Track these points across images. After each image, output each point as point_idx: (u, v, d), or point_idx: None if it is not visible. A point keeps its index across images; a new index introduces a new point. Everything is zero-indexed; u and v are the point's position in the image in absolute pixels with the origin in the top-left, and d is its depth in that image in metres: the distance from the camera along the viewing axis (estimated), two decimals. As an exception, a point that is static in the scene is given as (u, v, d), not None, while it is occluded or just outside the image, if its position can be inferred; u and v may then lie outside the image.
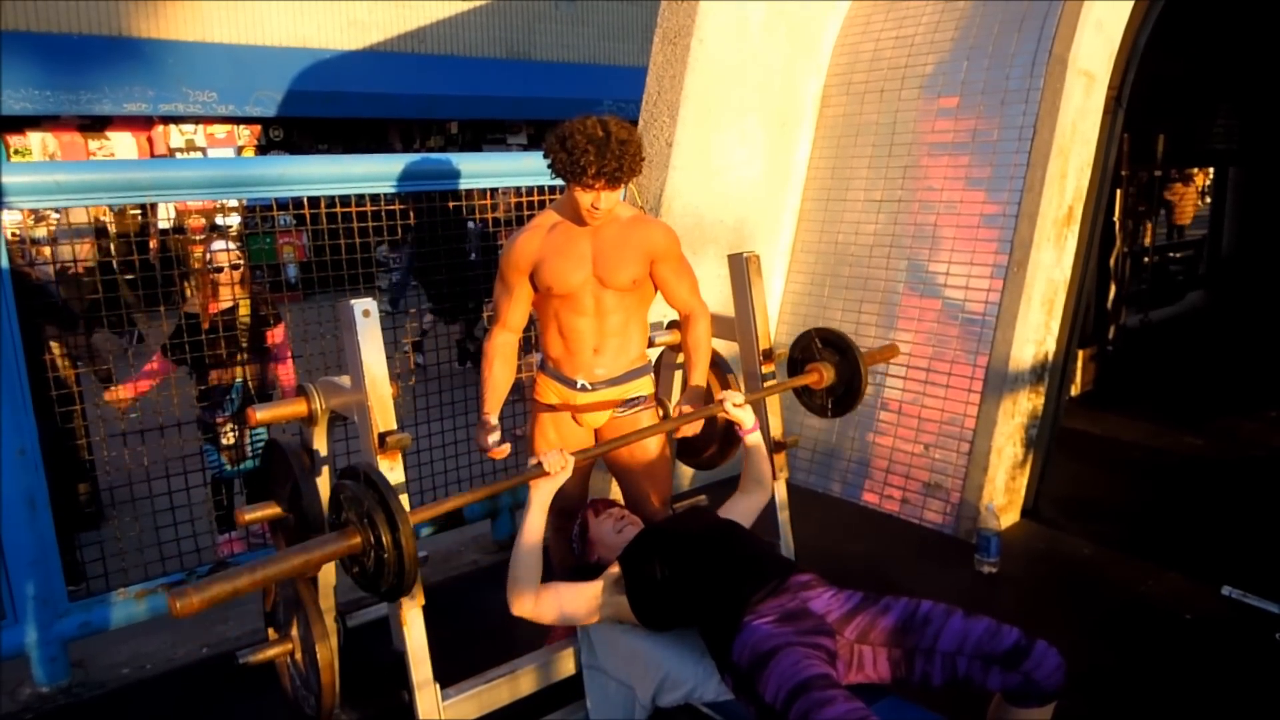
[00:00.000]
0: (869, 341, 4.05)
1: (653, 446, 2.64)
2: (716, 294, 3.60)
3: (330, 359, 3.02)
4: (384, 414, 2.02)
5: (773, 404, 2.84)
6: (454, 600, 3.35)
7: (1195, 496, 4.25)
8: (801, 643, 1.90)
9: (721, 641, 2.00)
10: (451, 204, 3.60)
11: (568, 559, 2.71)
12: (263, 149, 12.77)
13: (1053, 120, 3.65)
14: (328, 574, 2.35)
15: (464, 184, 3.48)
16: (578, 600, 2.17)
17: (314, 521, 2.15)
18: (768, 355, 2.81)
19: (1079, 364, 5.67)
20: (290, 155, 11.60)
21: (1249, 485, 4.34)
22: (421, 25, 13.83)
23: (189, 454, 3.31)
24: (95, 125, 11.46)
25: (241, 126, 12.50)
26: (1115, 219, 6.31)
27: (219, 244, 3.73)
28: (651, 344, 2.78)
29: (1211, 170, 10.24)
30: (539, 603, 2.12)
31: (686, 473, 4.18)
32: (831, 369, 2.71)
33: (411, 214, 3.60)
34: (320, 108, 12.40)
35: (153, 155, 11.76)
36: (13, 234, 2.87)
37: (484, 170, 3.56)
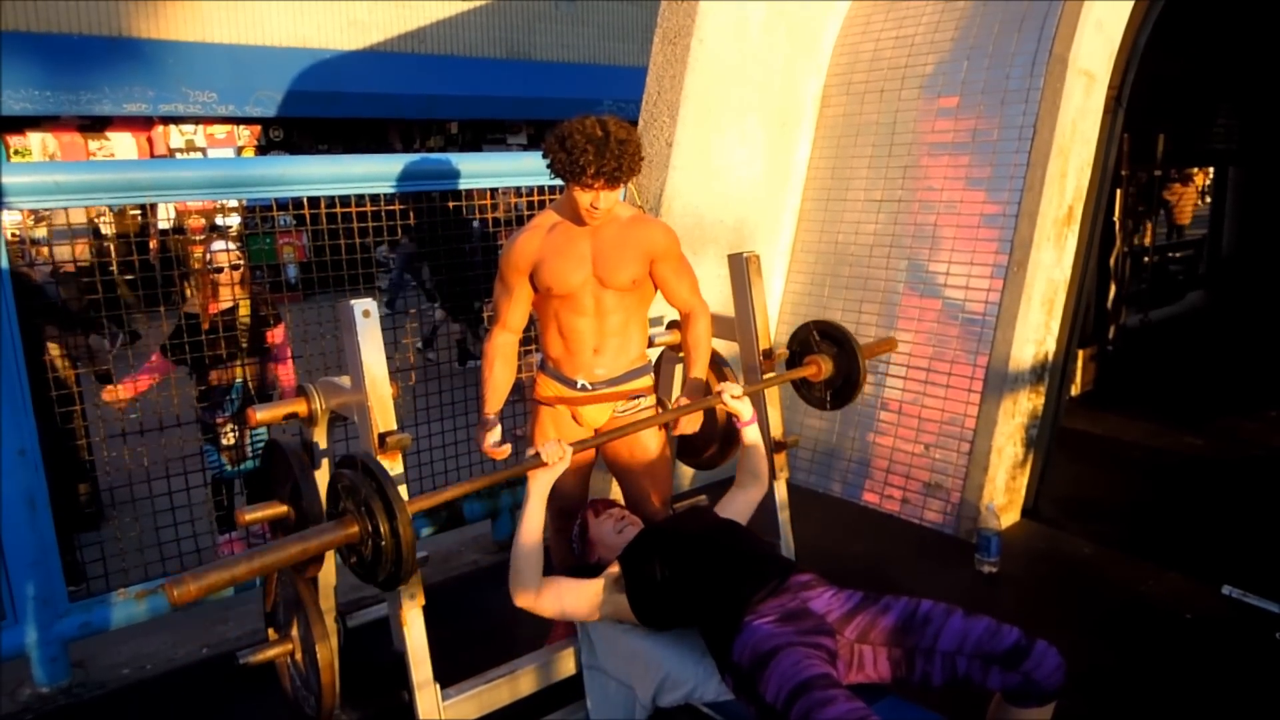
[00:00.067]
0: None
1: (653, 446, 2.64)
2: (716, 294, 3.60)
3: (330, 359, 3.02)
4: (384, 414, 2.02)
5: (773, 403, 2.84)
6: (454, 600, 3.35)
7: (1195, 496, 4.25)
8: (802, 643, 1.90)
9: (722, 641, 2.00)
10: (452, 204, 3.60)
11: (568, 559, 2.71)
12: (263, 149, 12.77)
13: (1053, 120, 3.65)
14: (328, 574, 2.35)
15: (464, 184, 3.48)
16: (578, 596, 2.18)
17: (314, 521, 2.15)
18: (768, 355, 2.81)
19: (1079, 364, 5.67)
20: (290, 155, 11.60)
21: (1249, 485, 4.34)
22: (421, 25, 13.83)
23: (189, 454, 3.31)
24: (95, 125, 11.46)
25: (241, 127, 12.50)
26: (1115, 219, 6.31)
27: (219, 244, 3.72)
28: (651, 344, 2.78)
29: (1211, 170, 10.24)
30: (540, 595, 2.13)
31: (687, 473, 4.18)
32: (830, 361, 2.71)
33: (411, 214, 3.60)
34: (320, 108, 12.40)
35: (153, 155, 11.76)
36: (12, 235, 2.87)
37: (484, 170, 3.57)
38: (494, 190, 3.74)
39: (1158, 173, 7.16)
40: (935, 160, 4.08)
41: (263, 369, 3.80)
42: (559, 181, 2.36)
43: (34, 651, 2.79)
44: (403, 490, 1.97)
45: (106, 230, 6.43)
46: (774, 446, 2.82)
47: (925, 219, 4.07)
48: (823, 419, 4.35)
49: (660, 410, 2.65)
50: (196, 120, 11.95)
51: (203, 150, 12.25)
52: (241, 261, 3.72)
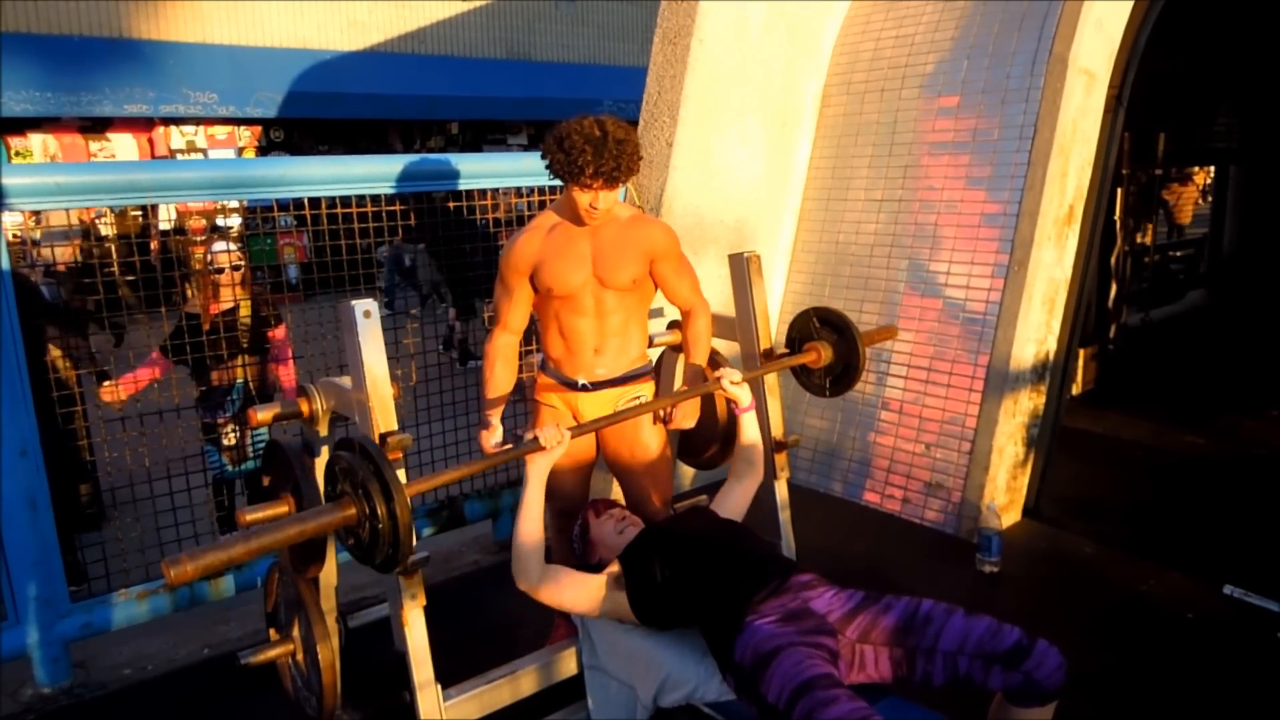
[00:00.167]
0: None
1: (654, 446, 2.64)
2: (717, 294, 3.60)
3: (331, 360, 3.02)
4: (385, 414, 2.02)
5: (774, 402, 2.84)
6: (455, 601, 3.35)
7: (1197, 495, 4.25)
8: (804, 643, 1.90)
9: (723, 641, 2.00)
10: (452, 204, 3.60)
11: (569, 560, 2.70)
12: (263, 150, 12.77)
13: (1053, 119, 3.65)
14: (329, 574, 2.35)
15: (464, 184, 3.48)
16: (579, 589, 2.18)
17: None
18: (768, 355, 2.81)
19: (1080, 363, 5.67)
20: (291, 156, 11.61)
21: (1251, 484, 4.34)
22: (421, 26, 13.83)
23: (190, 454, 3.31)
24: (96, 127, 11.46)
25: (242, 127, 12.50)
26: (1116, 218, 6.31)
27: (220, 245, 3.73)
28: (652, 344, 2.78)
29: (1212, 169, 10.24)
30: (542, 582, 2.13)
31: (687, 473, 4.18)
32: (830, 348, 2.70)
33: (412, 215, 3.60)
34: (321, 109, 12.40)
35: (153, 156, 11.76)
36: (13, 235, 2.88)
37: (484, 171, 3.57)
38: (494, 191, 3.74)
39: (1158, 172, 7.16)
40: (936, 160, 4.07)
41: (263, 369, 3.80)
42: (559, 182, 2.36)
43: (35, 652, 2.79)
44: (401, 475, 1.97)
45: (107, 231, 6.43)
46: (775, 446, 2.82)
47: (926, 218, 4.07)
48: (823, 419, 4.35)
49: (662, 411, 2.65)
50: (197, 121, 11.95)
51: (203, 151, 12.26)
52: (242, 262, 3.72)
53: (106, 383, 3.35)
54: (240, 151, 12.57)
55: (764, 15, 4.19)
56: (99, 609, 2.87)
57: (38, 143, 11.23)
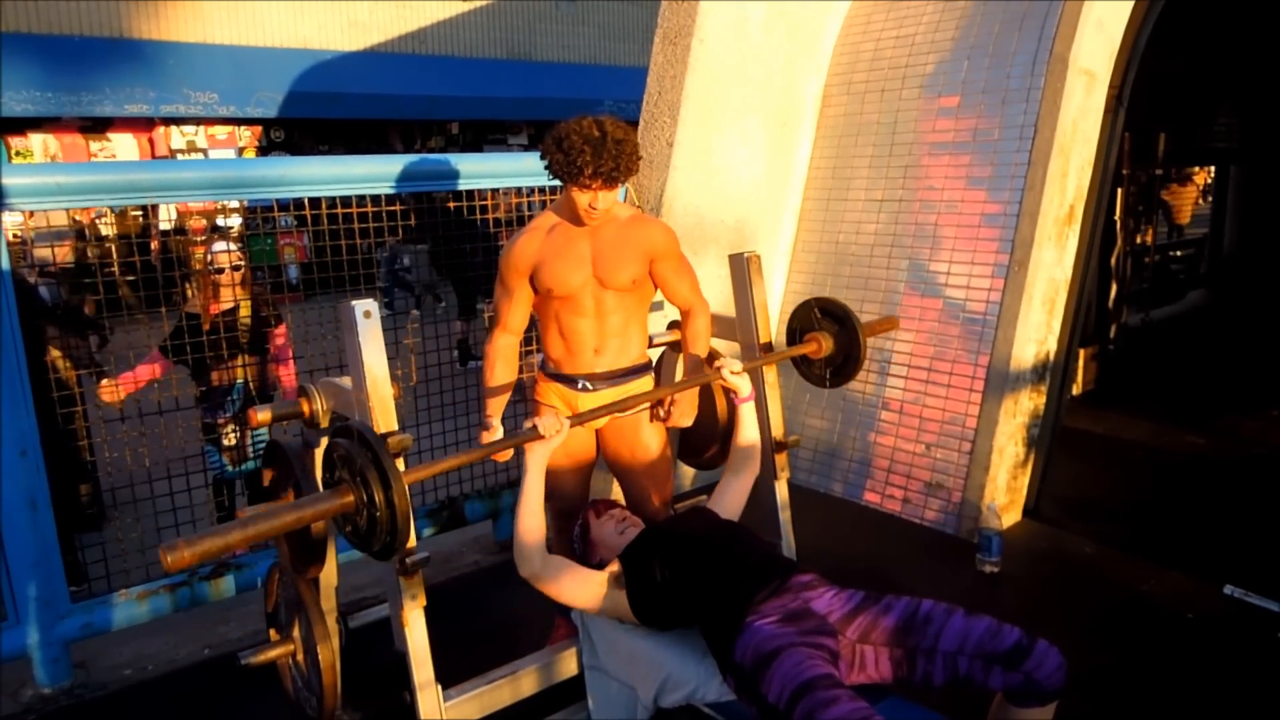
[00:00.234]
0: (870, 341, 4.05)
1: (654, 446, 2.64)
2: (717, 294, 3.60)
3: (332, 360, 3.02)
4: (385, 415, 2.02)
5: (774, 402, 2.84)
6: (456, 601, 3.35)
7: (1197, 495, 4.25)
8: (804, 643, 1.90)
9: (724, 642, 2.00)
10: (452, 204, 3.60)
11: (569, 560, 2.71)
12: (264, 150, 12.77)
13: (1054, 119, 3.65)
14: (329, 574, 2.35)
15: (465, 185, 3.48)
16: (579, 583, 2.18)
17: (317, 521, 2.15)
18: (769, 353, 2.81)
19: (1080, 363, 5.67)
20: (291, 156, 11.61)
21: (1251, 484, 4.34)
22: (422, 26, 13.83)
23: (190, 454, 3.31)
24: (96, 127, 11.46)
25: (242, 128, 12.50)
26: (1116, 218, 6.31)
27: (220, 245, 3.73)
28: (652, 344, 2.78)
29: (1212, 169, 10.24)
30: (544, 569, 2.15)
31: (687, 473, 4.18)
32: (830, 339, 2.70)
33: (412, 215, 3.60)
34: (321, 109, 12.40)
35: (154, 156, 11.76)
36: (14, 236, 2.88)
37: (485, 171, 3.57)
38: (495, 191, 3.74)
39: (1159, 172, 7.16)
40: (936, 160, 4.07)
41: (263, 369, 3.80)
42: (559, 182, 2.36)
43: (36, 652, 2.79)
44: (399, 464, 1.97)
45: (107, 231, 6.43)
46: (775, 446, 2.82)
47: (926, 218, 4.07)
48: (824, 419, 4.35)
49: (661, 409, 2.65)
50: (197, 121, 11.95)
51: (204, 151, 12.26)
52: (242, 262, 3.72)
53: (105, 381, 3.35)
54: (241, 151, 12.57)
55: (764, 15, 4.19)
56: (99, 609, 2.88)
57: (38, 143, 11.24)
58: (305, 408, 2.22)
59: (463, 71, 13.96)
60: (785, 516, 2.87)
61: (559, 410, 2.58)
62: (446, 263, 6.66)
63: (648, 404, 2.64)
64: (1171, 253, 9.07)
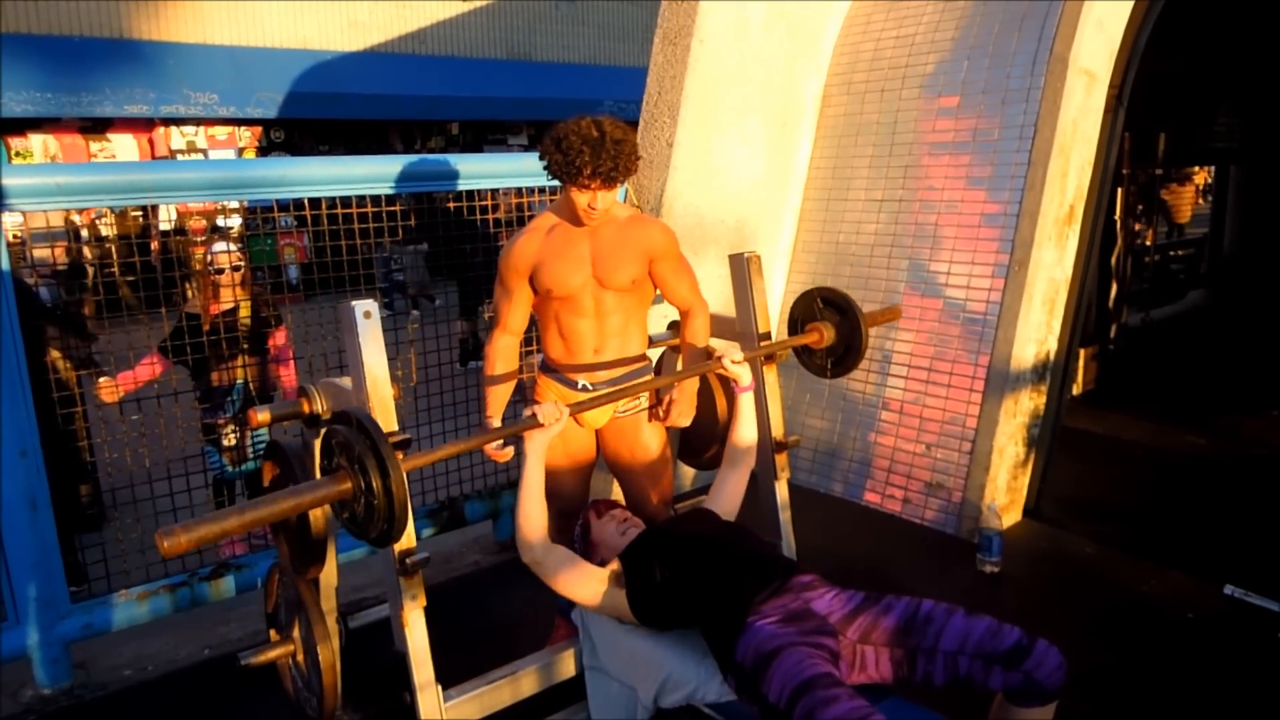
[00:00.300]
0: (871, 341, 4.05)
1: (654, 446, 2.64)
2: (717, 294, 3.60)
3: (332, 360, 3.02)
4: (385, 415, 2.02)
5: (774, 403, 2.84)
6: (456, 601, 3.35)
7: (1197, 495, 4.25)
8: (805, 643, 1.90)
9: (724, 642, 2.00)
10: (452, 205, 3.60)
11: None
12: (264, 150, 12.77)
13: (1054, 119, 3.65)
14: (329, 575, 2.35)
15: (465, 185, 3.48)
16: (580, 577, 2.19)
17: (317, 521, 2.14)
18: (769, 355, 2.81)
19: (1080, 363, 5.67)
20: (291, 156, 11.61)
21: (1251, 484, 4.33)
22: (422, 26, 13.83)
23: (190, 455, 3.31)
24: (96, 127, 11.46)
25: (242, 128, 12.50)
26: (1116, 218, 6.31)
27: (220, 245, 3.73)
28: (652, 344, 2.78)
29: (1211, 169, 10.24)
30: (546, 556, 2.17)
31: (687, 473, 4.18)
32: (832, 329, 2.69)
33: (412, 215, 3.60)
34: (321, 109, 12.40)
35: (154, 157, 11.76)
36: (14, 236, 2.87)
37: (485, 171, 3.57)
38: (495, 191, 3.74)
39: (1159, 172, 7.16)
40: (936, 160, 4.07)
41: (264, 370, 3.80)
42: (559, 183, 2.36)
43: (36, 653, 2.79)
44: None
45: (107, 231, 6.44)
46: (775, 446, 2.82)
47: (926, 219, 4.07)
48: (824, 419, 4.35)
49: (662, 409, 2.65)
50: (197, 122, 11.95)
51: (204, 152, 12.26)
52: (242, 263, 3.72)
53: (104, 380, 3.35)
54: (240, 152, 12.57)
55: (764, 15, 4.19)
56: (99, 610, 2.87)
57: (38, 143, 11.23)
58: (305, 408, 2.22)
59: (463, 72, 13.96)
60: (785, 517, 2.87)
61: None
62: (447, 263, 6.67)
63: (647, 405, 2.64)
64: (1172, 253, 9.07)
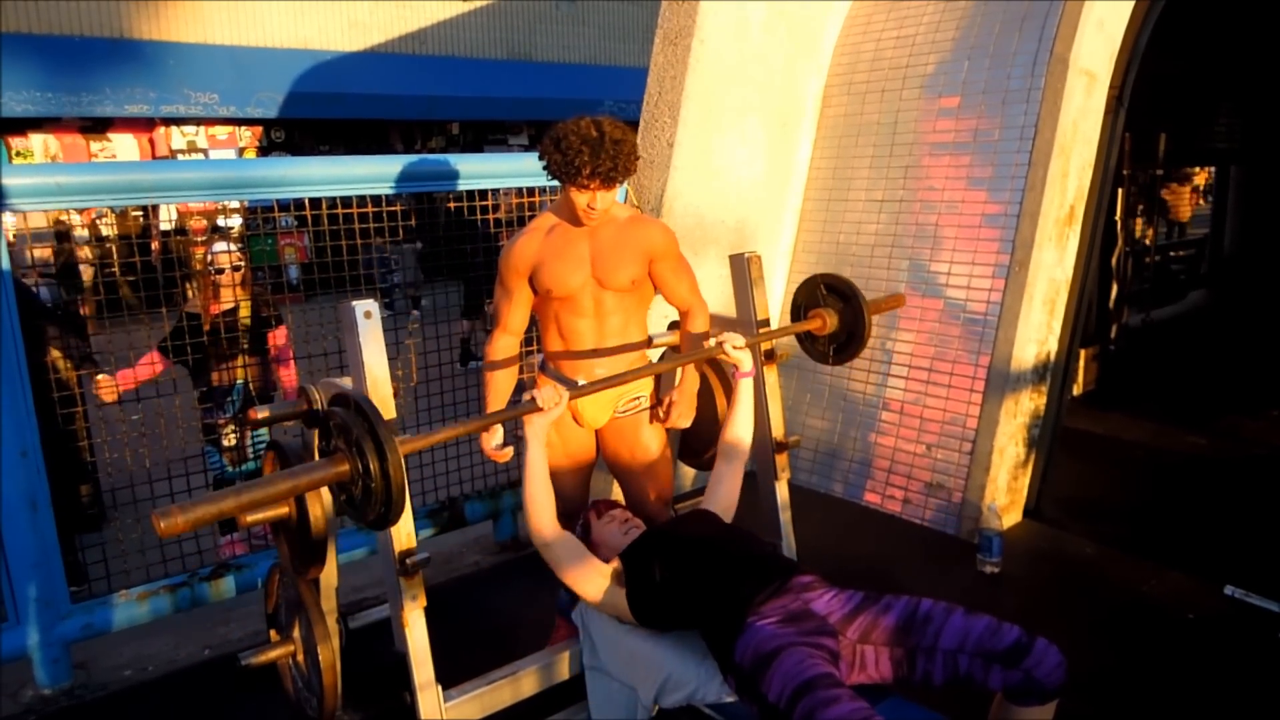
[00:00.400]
0: (870, 341, 4.05)
1: (654, 447, 2.64)
2: (718, 294, 3.60)
3: (332, 360, 3.02)
4: (386, 413, 2.02)
5: (774, 403, 2.84)
6: (456, 601, 3.35)
7: (1198, 496, 4.25)
8: (804, 643, 1.90)
9: (724, 643, 2.00)
10: (453, 205, 3.60)
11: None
12: (264, 150, 12.77)
13: (1054, 120, 3.65)
14: (329, 575, 2.35)
15: (465, 185, 3.48)
16: (587, 570, 2.19)
17: (317, 522, 2.14)
18: (770, 355, 2.81)
19: (1081, 363, 5.67)
20: (291, 156, 11.61)
21: (1252, 484, 4.33)
22: (422, 26, 13.83)
23: (190, 455, 3.31)
24: (97, 127, 11.46)
25: (243, 128, 12.50)
26: (1117, 218, 6.31)
27: (220, 245, 3.73)
28: (652, 344, 2.78)
29: (1211, 169, 10.24)
30: (555, 539, 2.19)
31: (687, 473, 4.18)
32: (835, 316, 2.69)
33: (413, 215, 3.60)
34: (321, 109, 12.40)
35: (154, 157, 11.76)
36: (14, 236, 2.86)
37: (485, 171, 3.57)
38: (495, 191, 3.74)
39: (1159, 172, 7.16)
40: (936, 160, 4.07)
41: (264, 370, 3.80)
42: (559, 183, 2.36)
43: (36, 653, 2.79)
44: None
45: (107, 231, 6.44)
46: (776, 447, 2.82)
47: (927, 219, 4.07)
48: (824, 419, 4.35)
49: (662, 410, 2.65)
50: (198, 121, 11.96)
51: (204, 152, 12.26)
52: (242, 262, 3.72)
53: (102, 377, 3.34)
54: (241, 152, 12.57)
55: (765, 15, 4.18)
56: (99, 610, 2.87)
57: (39, 143, 11.24)
58: (305, 408, 2.21)
59: (463, 72, 13.96)
60: (785, 517, 2.87)
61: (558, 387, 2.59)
62: (448, 263, 6.67)
63: (647, 406, 2.64)
64: (1172, 253, 9.07)
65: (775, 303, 4.60)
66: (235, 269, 3.66)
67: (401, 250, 8.49)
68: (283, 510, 2.20)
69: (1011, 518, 3.86)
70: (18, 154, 11.03)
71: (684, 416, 2.62)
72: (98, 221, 5.97)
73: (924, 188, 4.10)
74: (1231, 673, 2.81)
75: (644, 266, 2.47)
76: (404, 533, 2.06)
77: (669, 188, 3.94)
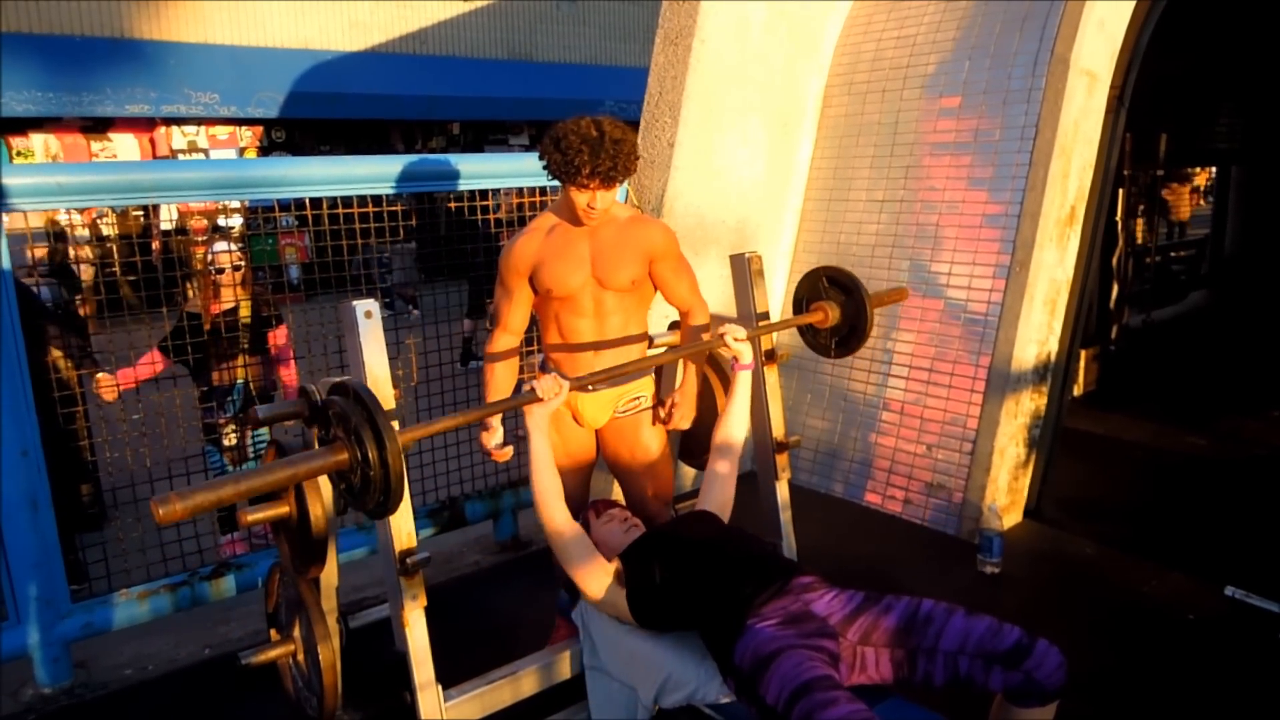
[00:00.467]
0: (871, 341, 4.05)
1: (654, 447, 2.64)
2: (718, 294, 3.60)
3: (333, 360, 3.02)
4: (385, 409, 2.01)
5: (774, 404, 2.84)
6: (456, 601, 3.36)
7: (1198, 496, 4.25)
8: (804, 645, 1.90)
9: (724, 644, 2.00)
10: (453, 204, 3.60)
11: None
12: (265, 150, 12.77)
13: (1055, 120, 3.65)
14: (330, 575, 2.35)
15: (465, 185, 3.48)
16: (592, 567, 2.19)
17: (317, 522, 2.14)
18: (770, 355, 2.81)
19: (1081, 364, 5.67)
20: (292, 156, 11.61)
21: (1252, 485, 4.33)
22: (423, 26, 13.83)
23: (191, 454, 3.31)
24: (97, 127, 11.47)
25: (243, 128, 12.50)
26: (1117, 218, 6.31)
27: (221, 245, 3.73)
28: (652, 344, 2.78)
29: (1213, 169, 10.24)
30: (566, 527, 2.19)
31: (688, 473, 4.18)
32: (837, 308, 2.68)
33: (414, 215, 3.60)
34: (322, 109, 12.40)
35: (155, 157, 11.76)
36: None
37: (485, 171, 3.57)
38: (495, 191, 3.74)
39: (1160, 172, 7.16)
40: (937, 160, 4.07)
41: (264, 370, 3.81)
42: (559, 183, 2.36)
43: (36, 652, 2.79)
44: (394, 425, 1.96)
45: (108, 231, 6.44)
46: (776, 447, 2.82)
47: (927, 219, 4.07)
48: (824, 419, 4.35)
49: (663, 410, 2.65)
50: (199, 121, 11.96)
51: (205, 151, 12.26)
52: (243, 262, 3.72)
53: (102, 376, 3.35)
54: (242, 152, 12.58)
55: (765, 15, 4.19)
56: (100, 609, 2.87)
57: (39, 143, 11.24)
58: (306, 408, 2.21)
59: (463, 72, 13.96)
60: (786, 517, 2.87)
61: (558, 410, 2.58)
62: (448, 263, 6.67)
63: (648, 406, 2.64)
64: (1173, 253, 9.07)
65: (775, 303, 4.60)
66: (236, 268, 3.66)
67: (401, 251, 8.49)
68: (283, 509, 2.20)
69: (1012, 518, 3.86)
70: (18, 154, 11.03)
71: (685, 418, 2.62)
72: (98, 221, 5.97)
73: (925, 188, 4.10)
74: (1232, 673, 2.81)
75: (644, 266, 2.47)
76: (404, 532, 2.06)
77: (670, 188, 3.94)
